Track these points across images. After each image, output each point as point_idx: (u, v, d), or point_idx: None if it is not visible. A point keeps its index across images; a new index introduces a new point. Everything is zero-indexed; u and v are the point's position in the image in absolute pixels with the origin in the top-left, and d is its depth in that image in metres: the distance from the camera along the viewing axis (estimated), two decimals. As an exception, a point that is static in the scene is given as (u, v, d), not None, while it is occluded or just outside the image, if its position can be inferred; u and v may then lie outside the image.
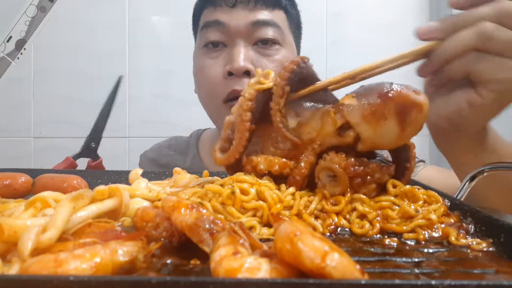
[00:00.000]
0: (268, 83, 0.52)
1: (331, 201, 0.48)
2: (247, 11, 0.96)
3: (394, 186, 0.50)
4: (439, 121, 0.59)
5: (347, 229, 0.45)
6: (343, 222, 0.46)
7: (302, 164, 0.50)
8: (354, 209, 0.47)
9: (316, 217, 0.47)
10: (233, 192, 0.47)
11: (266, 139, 0.54)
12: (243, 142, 0.52)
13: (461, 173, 0.65)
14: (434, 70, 0.57)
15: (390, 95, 0.46)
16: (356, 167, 0.48)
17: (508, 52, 0.51)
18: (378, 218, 0.45)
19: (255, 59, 0.97)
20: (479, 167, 0.57)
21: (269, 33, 0.97)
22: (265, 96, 0.53)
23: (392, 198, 0.49)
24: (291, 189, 0.49)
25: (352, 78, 0.54)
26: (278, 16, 1.01)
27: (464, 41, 0.52)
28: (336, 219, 0.46)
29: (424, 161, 1.03)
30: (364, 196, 0.48)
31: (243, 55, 0.94)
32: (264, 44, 0.98)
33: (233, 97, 0.96)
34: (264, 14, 0.98)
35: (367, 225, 0.45)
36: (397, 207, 0.47)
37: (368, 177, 0.48)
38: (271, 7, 0.99)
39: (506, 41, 0.51)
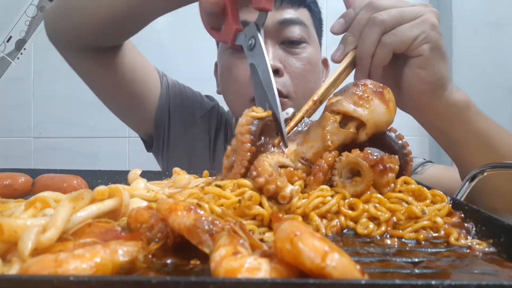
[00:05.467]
0: (262, 113, 0.55)
1: (347, 200, 0.47)
2: (273, 10, 0.95)
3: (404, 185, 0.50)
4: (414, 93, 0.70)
5: (351, 230, 0.45)
6: (349, 223, 0.46)
7: (328, 154, 0.51)
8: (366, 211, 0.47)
9: (323, 217, 0.46)
10: (239, 201, 0.45)
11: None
12: (244, 163, 0.52)
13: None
14: (366, 73, 0.67)
15: (362, 82, 0.55)
16: (374, 156, 0.49)
17: (399, 20, 0.64)
18: (388, 222, 0.45)
19: (283, 57, 0.96)
20: (479, 167, 0.57)
21: (296, 31, 0.97)
22: (262, 123, 0.55)
23: (400, 194, 0.49)
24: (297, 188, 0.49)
25: (316, 103, 0.61)
26: (303, 14, 1.01)
27: (372, 35, 0.64)
28: (343, 219, 0.46)
29: (431, 162, 1.03)
30: (381, 196, 0.48)
31: (271, 54, 0.94)
32: (291, 43, 0.97)
33: None
34: (290, 13, 0.98)
35: (371, 225, 0.45)
36: (405, 204, 0.47)
37: (387, 165, 0.49)
38: (296, 5, 0.99)
39: (391, 15, 0.64)
